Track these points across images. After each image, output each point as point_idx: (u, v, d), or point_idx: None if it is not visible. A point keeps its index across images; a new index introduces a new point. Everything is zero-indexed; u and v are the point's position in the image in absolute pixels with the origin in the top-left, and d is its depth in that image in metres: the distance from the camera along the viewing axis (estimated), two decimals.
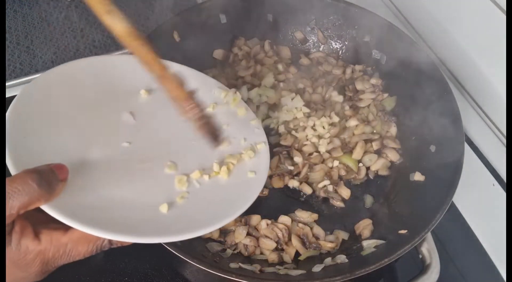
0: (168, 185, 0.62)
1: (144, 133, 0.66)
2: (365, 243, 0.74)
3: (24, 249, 0.47)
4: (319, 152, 0.88)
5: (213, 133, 0.64)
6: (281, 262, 0.73)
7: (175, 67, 0.76)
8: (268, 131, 0.92)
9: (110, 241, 0.52)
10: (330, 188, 0.84)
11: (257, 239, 0.75)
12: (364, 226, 0.78)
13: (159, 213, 0.57)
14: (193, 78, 0.77)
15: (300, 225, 0.78)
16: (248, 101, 0.94)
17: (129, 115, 0.67)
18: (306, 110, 0.92)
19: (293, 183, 0.84)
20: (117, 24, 0.58)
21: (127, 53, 0.65)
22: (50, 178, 0.48)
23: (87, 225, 0.49)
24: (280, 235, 0.75)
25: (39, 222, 0.50)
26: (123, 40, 0.59)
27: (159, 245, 0.63)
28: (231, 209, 0.61)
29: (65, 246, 0.49)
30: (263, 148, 0.75)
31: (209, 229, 0.56)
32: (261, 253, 0.75)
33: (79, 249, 0.50)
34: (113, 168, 0.59)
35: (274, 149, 0.89)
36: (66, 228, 0.50)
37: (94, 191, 0.55)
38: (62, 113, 0.62)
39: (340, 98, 0.96)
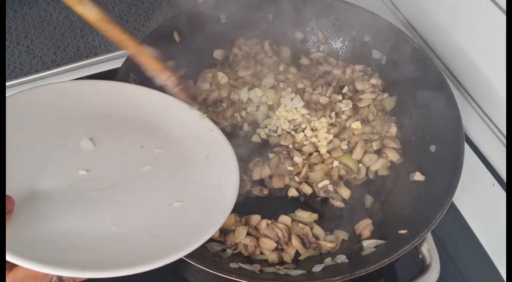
0: (123, 213, 0.58)
1: (103, 160, 0.64)
2: (365, 243, 0.74)
3: None
4: (319, 152, 0.88)
5: (192, 95, 0.74)
6: (281, 262, 0.73)
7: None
8: (268, 131, 0.92)
9: (59, 278, 0.49)
10: (330, 188, 0.84)
11: (257, 239, 0.75)
12: (364, 226, 0.78)
13: (112, 244, 0.53)
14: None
15: (300, 225, 0.78)
16: (248, 101, 0.94)
17: (88, 142, 0.65)
18: (306, 111, 0.93)
19: (293, 192, 0.84)
20: (89, 12, 0.65)
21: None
22: None
23: (31, 260, 0.44)
24: (280, 235, 0.75)
25: None
26: (97, 26, 0.66)
27: None
28: (192, 236, 0.58)
29: None
30: (228, 159, 0.74)
31: (164, 261, 0.53)
32: (261, 253, 0.75)
33: None
34: (65, 197, 0.56)
35: (274, 148, 0.89)
36: (10, 267, 0.46)
37: (41, 224, 0.51)
38: (16, 141, 0.58)
39: (340, 98, 0.96)
